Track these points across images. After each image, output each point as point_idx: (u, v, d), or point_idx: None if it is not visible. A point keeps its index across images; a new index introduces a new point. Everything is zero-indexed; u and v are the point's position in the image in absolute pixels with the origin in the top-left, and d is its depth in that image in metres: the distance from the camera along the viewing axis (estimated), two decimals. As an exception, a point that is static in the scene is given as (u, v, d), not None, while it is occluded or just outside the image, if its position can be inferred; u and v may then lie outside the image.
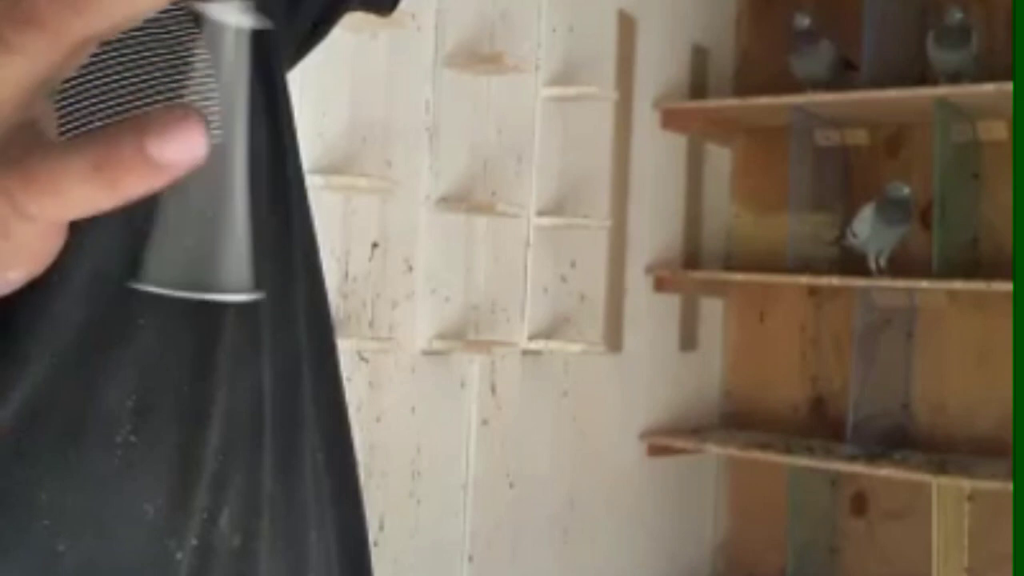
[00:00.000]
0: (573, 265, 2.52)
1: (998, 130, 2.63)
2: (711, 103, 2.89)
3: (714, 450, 2.79)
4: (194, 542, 0.49)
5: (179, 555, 0.48)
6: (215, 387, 0.51)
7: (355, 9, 0.68)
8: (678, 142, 2.89)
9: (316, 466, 0.58)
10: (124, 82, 0.48)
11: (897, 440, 2.67)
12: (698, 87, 2.94)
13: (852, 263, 2.66)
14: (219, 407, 0.51)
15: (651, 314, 2.79)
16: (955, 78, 2.48)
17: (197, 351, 0.50)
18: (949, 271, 2.45)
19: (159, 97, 0.49)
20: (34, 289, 0.34)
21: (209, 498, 0.50)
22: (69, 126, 0.46)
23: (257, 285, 0.54)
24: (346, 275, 1.97)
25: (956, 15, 2.44)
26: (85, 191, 0.27)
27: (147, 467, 0.48)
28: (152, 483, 0.48)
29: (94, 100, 0.47)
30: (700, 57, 2.96)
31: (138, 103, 0.48)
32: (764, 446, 2.68)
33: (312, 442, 0.58)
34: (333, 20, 0.68)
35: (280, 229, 0.57)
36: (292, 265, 0.58)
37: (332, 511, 0.60)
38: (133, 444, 0.47)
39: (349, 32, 1.89)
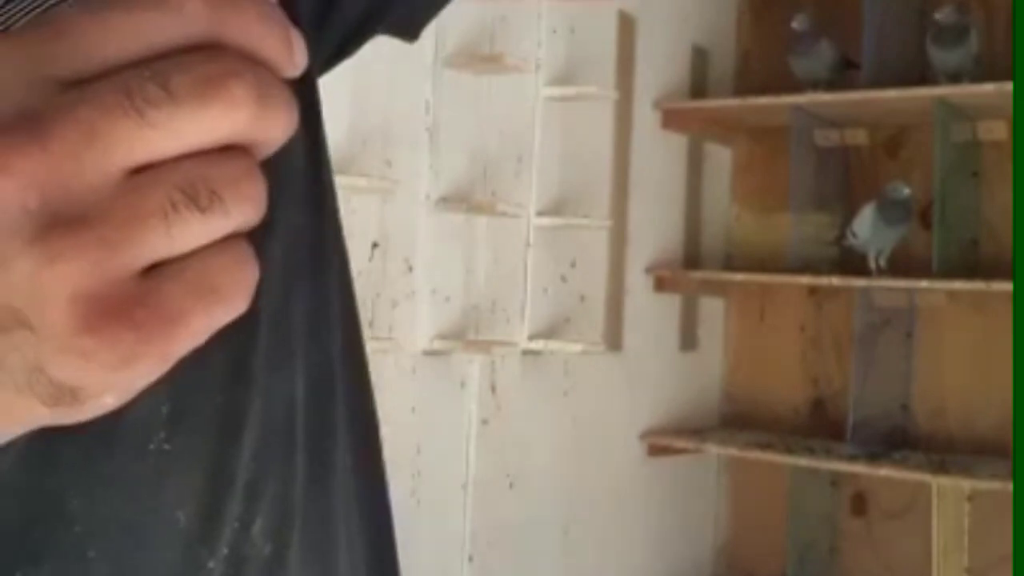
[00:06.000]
0: (573, 265, 2.52)
1: (998, 130, 2.63)
2: (711, 103, 2.89)
3: (714, 450, 2.79)
4: (225, 551, 0.49)
5: (211, 564, 0.48)
6: (250, 395, 0.50)
7: (382, 33, 0.68)
8: (678, 142, 2.89)
9: (345, 471, 0.58)
10: None
11: (897, 440, 2.67)
12: (698, 87, 2.94)
13: (852, 263, 2.66)
14: (253, 415, 0.50)
15: (651, 314, 2.79)
16: (955, 78, 2.48)
17: (232, 358, 0.50)
18: (949, 271, 2.44)
19: None
20: None
21: (242, 507, 0.50)
22: None
23: (294, 291, 0.53)
24: (346, 275, 1.97)
25: (950, 13, 2.43)
26: (207, 319, 0.29)
27: (180, 475, 0.47)
28: (185, 491, 0.47)
29: None
30: (700, 57, 2.96)
31: None
32: (764, 446, 2.68)
33: (342, 447, 0.57)
34: (359, 42, 0.67)
35: (316, 236, 0.57)
36: (327, 272, 0.58)
37: (359, 516, 0.59)
38: (167, 451, 0.46)
39: (349, 32, 1.89)
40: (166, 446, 0.46)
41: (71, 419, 0.29)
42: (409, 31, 0.69)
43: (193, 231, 0.28)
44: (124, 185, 0.27)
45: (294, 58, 0.29)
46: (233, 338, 0.50)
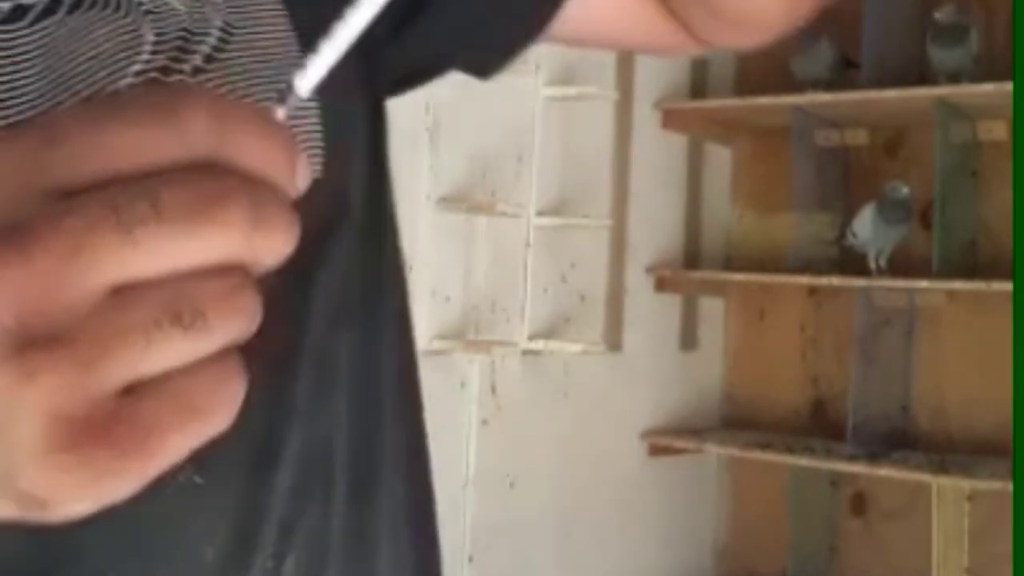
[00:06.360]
0: (573, 265, 2.52)
1: (998, 130, 2.62)
2: (711, 103, 2.89)
3: (714, 450, 2.79)
4: None
5: None
6: (288, 426, 0.49)
7: (456, 69, 0.67)
8: (678, 142, 2.89)
9: (393, 503, 0.56)
10: None
11: (897, 440, 2.66)
12: (698, 87, 2.94)
13: (852, 263, 2.66)
14: (291, 447, 0.49)
15: (651, 314, 2.79)
16: (955, 78, 2.47)
17: (270, 388, 0.48)
18: (949, 271, 2.44)
19: None
20: None
21: (275, 543, 0.48)
22: None
23: (344, 322, 0.52)
24: (346, 275, 1.97)
25: (950, 13, 2.43)
26: (184, 438, 0.28)
27: (210, 508, 0.46)
28: (214, 525, 0.46)
29: None
30: (700, 57, 2.96)
31: None
32: (764, 446, 2.68)
33: (388, 483, 0.56)
34: (433, 74, 0.66)
35: (373, 266, 0.56)
36: (382, 304, 0.56)
37: (409, 548, 0.57)
38: (197, 484, 0.45)
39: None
40: (196, 479, 0.45)
41: (41, 520, 0.28)
42: (483, 71, 0.68)
43: (174, 350, 0.27)
44: (106, 302, 0.26)
45: (296, 179, 0.29)
46: (272, 368, 0.48)
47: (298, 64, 0.30)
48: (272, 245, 0.28)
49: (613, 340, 2.63)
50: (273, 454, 0.48)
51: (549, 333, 2.43)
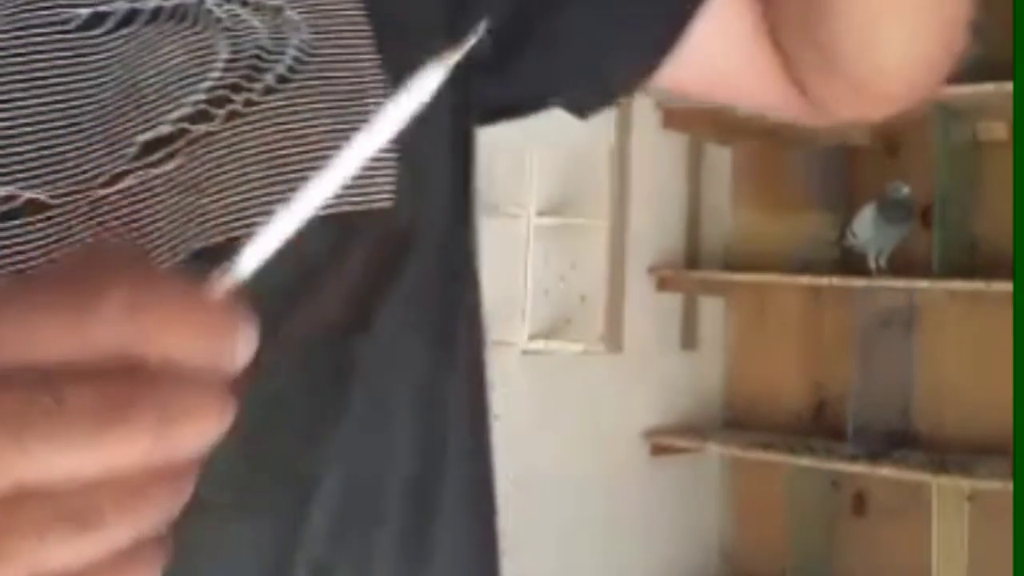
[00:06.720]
0: (573, 265, 2.52)
1: (998, 130, 2.62)
2: (711, 103, 2.89)
3: (716, 450, 2.79)
4: None
5: None
6: (325, 467, 0.47)
7: (557, 107, 0.66)
8: (678, 142, 2.89)
9: (453, 539, 0.54)
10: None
11: (897, 440, 2.67)
12: (698, 87, 2.94)
13: (852, 263, 2.66)
14: (327, 487, 0.47)
15: (652, 314, 2.79)
16: (955, 78, 2.47)
17: (313, 421, 0.46)
18: (949, 271, 2.44)
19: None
20: None
21: None
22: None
23: (407, 357, 0.50)
24: (346, 275, 1.97)
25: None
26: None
27: (235, 540, 0.44)
28: (239, 559, 0.44)
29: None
30: (700, 57, 2.96)
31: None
32: (765, 446, 2.68)
33: (451, 517, 0.53)
34: (531, 109, 0.64)
35: (446, 300, 0.54)
36: (452, 337, 0.55)
37: None
38: (227, 516, 0.43)
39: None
40: (227, 511, 0.43)
41: None
42: (582, 112, 0.68)
43: (70, 550, 0.25)
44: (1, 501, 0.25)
45: (235, 356, 0.27)
46: (317, 401, 0.47)
47: (257, 227, 0.28)
48: (192, 436, 0.26)
49: (613, 340, 2.63)
50: (305, 493, 0.46)
51: (549, 333, 2.43)
